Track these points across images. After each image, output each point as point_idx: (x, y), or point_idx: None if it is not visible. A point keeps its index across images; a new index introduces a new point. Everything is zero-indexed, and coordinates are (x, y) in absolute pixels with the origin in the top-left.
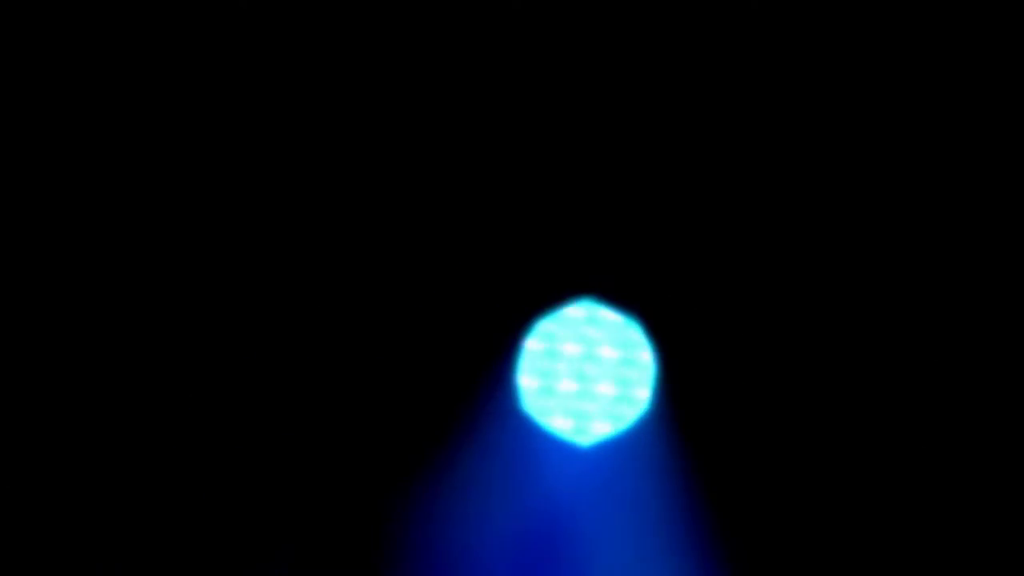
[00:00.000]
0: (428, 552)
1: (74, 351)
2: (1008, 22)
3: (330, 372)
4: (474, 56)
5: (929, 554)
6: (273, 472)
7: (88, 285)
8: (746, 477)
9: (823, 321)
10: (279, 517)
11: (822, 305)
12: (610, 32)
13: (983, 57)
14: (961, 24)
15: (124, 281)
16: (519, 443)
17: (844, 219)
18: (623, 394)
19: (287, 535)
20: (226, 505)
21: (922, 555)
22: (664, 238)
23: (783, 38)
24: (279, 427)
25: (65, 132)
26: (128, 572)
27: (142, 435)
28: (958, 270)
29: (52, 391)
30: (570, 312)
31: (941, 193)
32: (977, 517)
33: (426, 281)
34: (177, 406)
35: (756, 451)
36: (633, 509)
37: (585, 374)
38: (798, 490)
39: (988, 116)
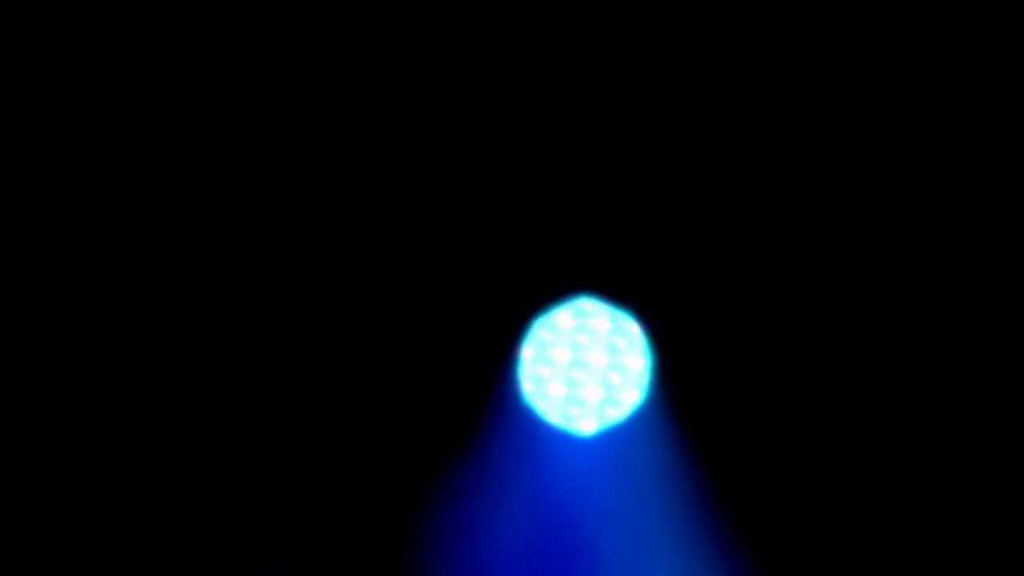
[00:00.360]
0: (432, 545)
1: (101, 354)
2: (1008, 22)
3: (328, 366)
4: (467, 53)
5: (927, 540)
6: (275, 471)
7: (108, 287)
8: (746, 464)
9: (818, 308)
10: (280, 513)
11: (816, 293)
12: (601, 32)
13: (983, 57)
14: (961, 24)
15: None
16: (521, 435)
17: (840, 218)
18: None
19: (288, 531)
20: (226, 500)
21: (920, 542)
22: (659, 234)
23: (771, 34)
24: (281, 427)
25: (65, 132)
26: (133, 572)
27: (143, 438)
28: (955, 271)
29: (80, 393)
30: (569, 308)
31: (938, 193)
32: (973, 509)
33: (425, 277)
34: (176, 406)
35: (756, 440)
36: (638, 497)
37: (587, 362)
38: (801, 476)
39: (988, 116)
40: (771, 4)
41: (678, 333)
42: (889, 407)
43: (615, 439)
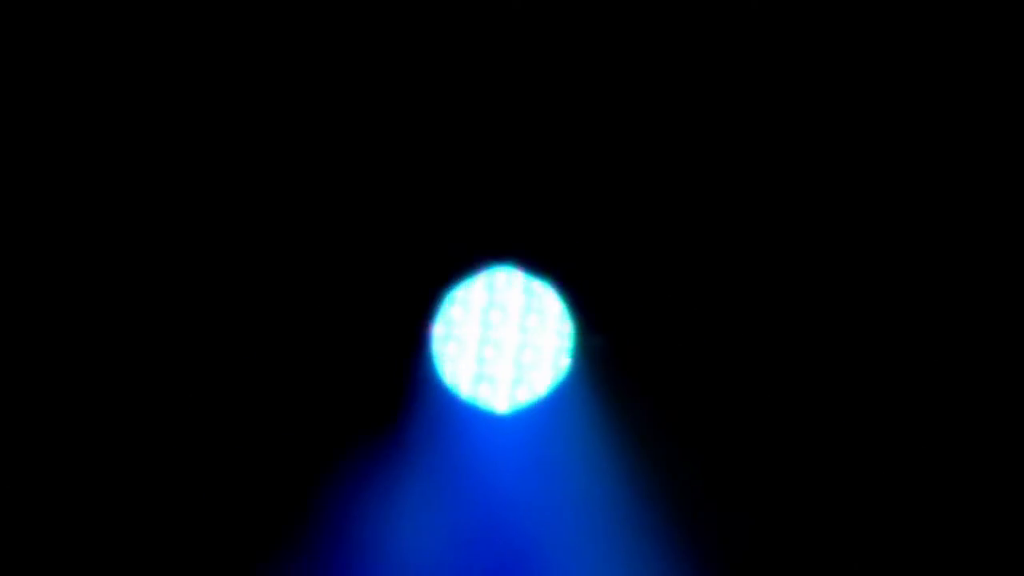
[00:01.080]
0: (348, 529)
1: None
2: (1008, 22)
3: (240, 349)
4: (391, 28)
5: (857, 523)
6: (191, 453)
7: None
8: (670, 440)
9: (741, 281)
10: (194, 498)
11: (740, 267)
12: (536, 14)
13: (983, 57)
14: (961, 24)
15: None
16: (437, 413)
17: (764, 194)
18: (539, 359)
19: (204, 515)
20: (132, 488)
21: (847, 519)
22: (580, 205)
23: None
24: (197, 409)
25: (65, 132)
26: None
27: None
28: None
29: None
30: (488, 278)
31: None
32: (915, 493)
33: (341, 251)
34: (102, 387)
35: (677, 416)
36: (557, 474)
37: (500, 338)
38: (725, 451)
39: (987, 116)
40: None
41: (600, 306)
42: (809, 383)
43: (532, 417)
